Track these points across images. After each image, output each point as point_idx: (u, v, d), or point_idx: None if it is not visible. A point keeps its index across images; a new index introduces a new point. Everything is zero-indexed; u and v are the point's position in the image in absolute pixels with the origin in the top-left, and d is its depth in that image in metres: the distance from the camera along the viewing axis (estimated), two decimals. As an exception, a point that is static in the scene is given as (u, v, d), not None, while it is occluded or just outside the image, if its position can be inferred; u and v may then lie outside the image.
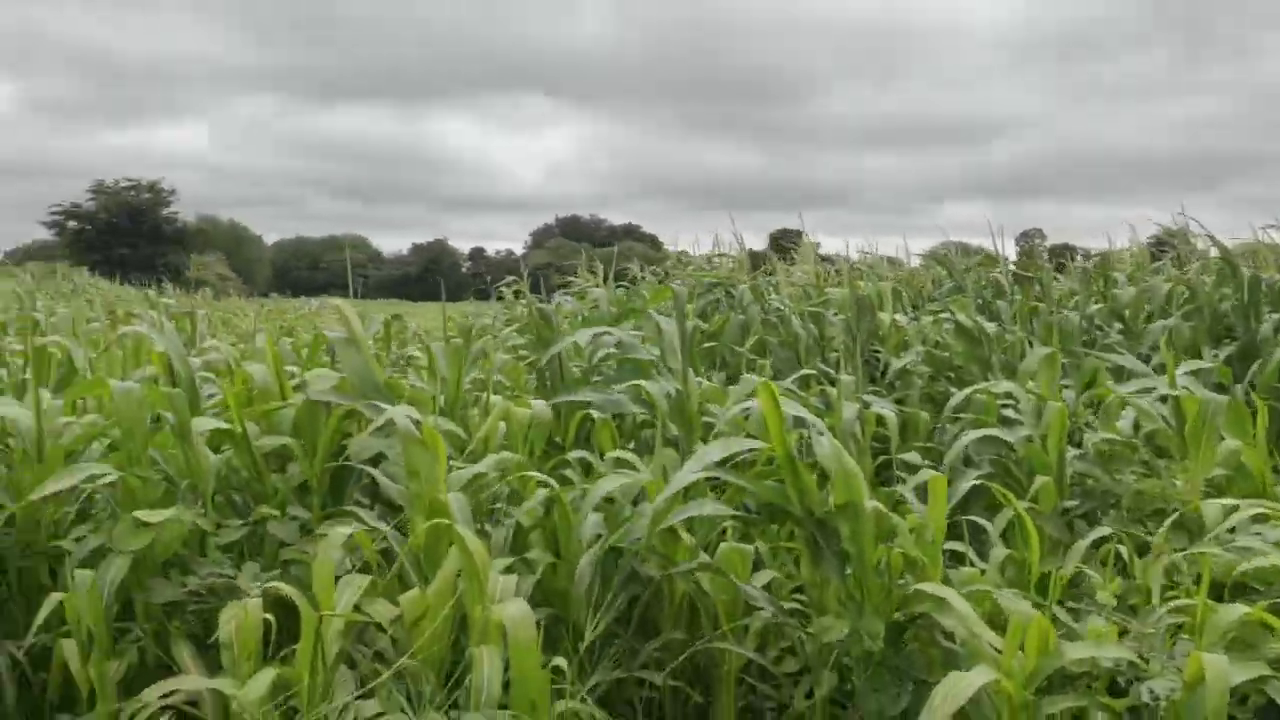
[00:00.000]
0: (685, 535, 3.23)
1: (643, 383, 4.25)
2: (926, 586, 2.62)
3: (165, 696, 2.58)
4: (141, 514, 2.74)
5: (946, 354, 6.34)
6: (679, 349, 4.35)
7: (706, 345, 6.76)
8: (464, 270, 70.82)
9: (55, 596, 2.59)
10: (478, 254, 78.68)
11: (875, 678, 2.68)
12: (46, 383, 4.00)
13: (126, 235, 54.89)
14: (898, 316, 7.05)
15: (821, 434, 2.92)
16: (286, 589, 2.63)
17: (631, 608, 3.19)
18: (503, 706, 2.46)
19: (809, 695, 2.85)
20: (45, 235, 58.16)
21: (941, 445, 5.04)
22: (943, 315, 6.66)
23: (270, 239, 77.72)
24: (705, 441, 4.25)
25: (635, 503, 3.42)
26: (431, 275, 67.26)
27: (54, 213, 59.23)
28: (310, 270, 68.20)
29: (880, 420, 4.65)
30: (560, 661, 2.57)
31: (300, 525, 3.24)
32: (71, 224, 58.46)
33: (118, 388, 2.93)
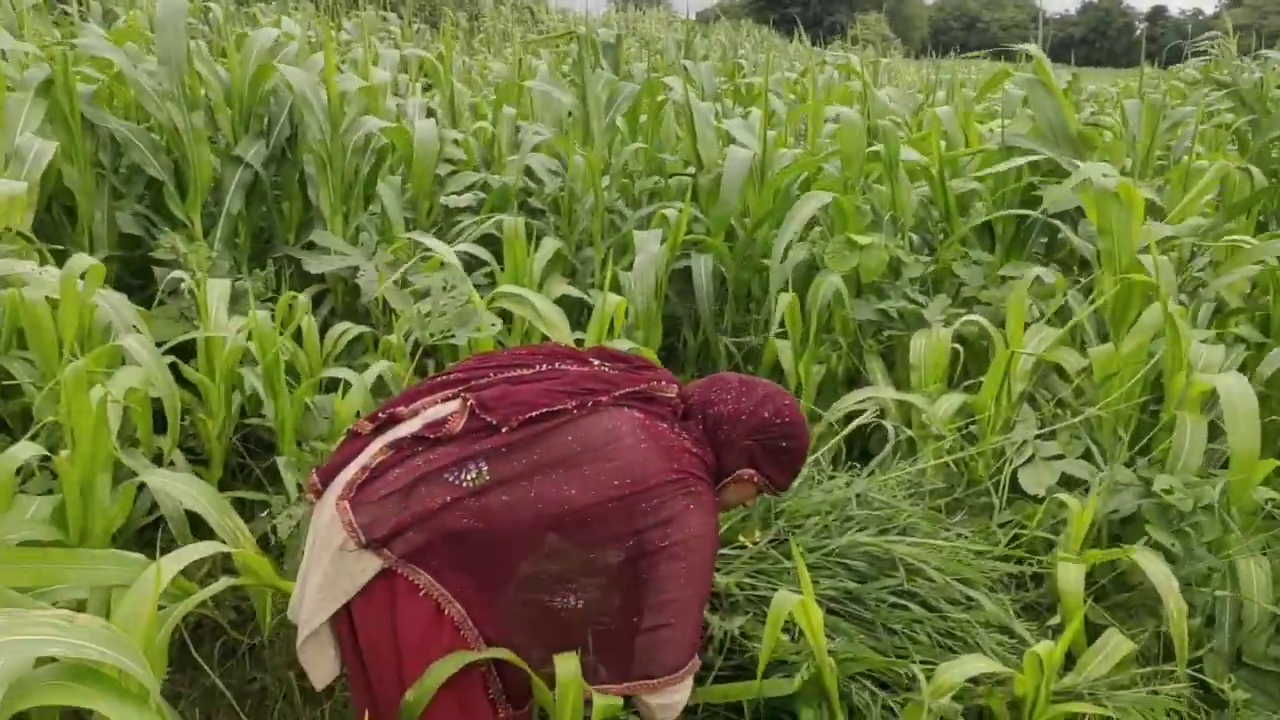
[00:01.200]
0: None
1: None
2: None
3: (858, 403, 2.88)
4: (850, 237, 2.98)
5: None
6: None
7: None
8: (1137, 34, 62.74)
9: (785, 298, 2.95)
10: (1157, 14, 69.12)
11: None
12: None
13: (803, -7, 57.17)
14: None
15: None
16: (982, 321, 2.71)
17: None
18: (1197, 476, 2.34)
19: None
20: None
21: None
22: None
23: (930, -2, 75.91)
24: None
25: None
26: (1098, 39, 60.72)
27: (744, -31, 64.00)
28: (965, 30, 65.58)
29: None
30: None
31: (983, 269, 3.28)
32: (753, -18, 62.67)
33: (844, 114, 3.15)
